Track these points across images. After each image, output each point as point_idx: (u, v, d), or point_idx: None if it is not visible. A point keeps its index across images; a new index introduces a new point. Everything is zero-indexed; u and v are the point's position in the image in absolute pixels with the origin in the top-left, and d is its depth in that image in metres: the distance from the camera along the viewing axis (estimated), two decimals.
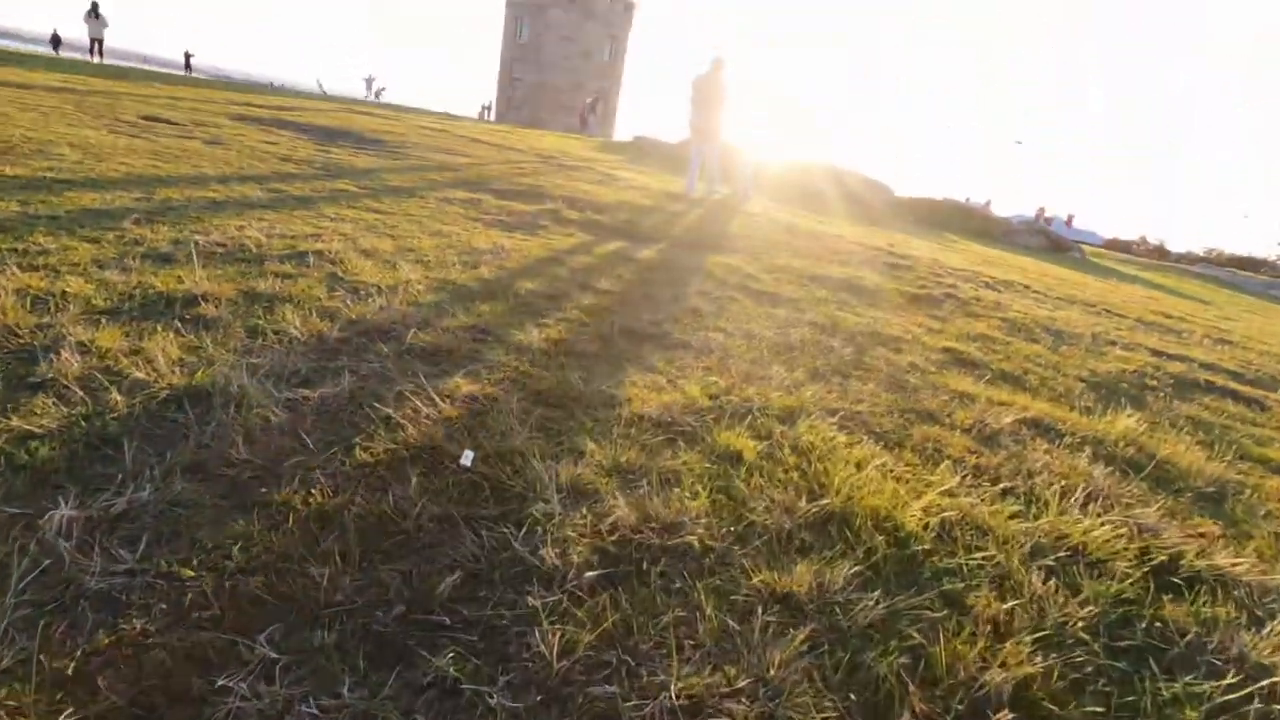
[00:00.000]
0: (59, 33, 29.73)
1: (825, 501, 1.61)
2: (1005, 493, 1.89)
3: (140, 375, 1.63)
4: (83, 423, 1.41)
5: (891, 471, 1.85)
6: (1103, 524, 1.76)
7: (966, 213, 23.57)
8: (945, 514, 1.65)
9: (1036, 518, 1.76)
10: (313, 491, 1.32)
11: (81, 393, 1.51)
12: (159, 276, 2.37)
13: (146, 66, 30.04)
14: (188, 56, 38.46)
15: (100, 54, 21.02)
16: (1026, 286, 6.66)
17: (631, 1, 41.69)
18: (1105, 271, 18.39)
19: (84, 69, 13.60)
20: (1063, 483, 2.02)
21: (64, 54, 26.78)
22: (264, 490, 1.30)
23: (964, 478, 1.92)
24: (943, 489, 1.78)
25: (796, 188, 14.73)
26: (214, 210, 3.60)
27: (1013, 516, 1.73)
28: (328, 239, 3.31)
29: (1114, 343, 4.52)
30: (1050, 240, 22.11)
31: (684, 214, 7.23)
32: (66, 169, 4.00)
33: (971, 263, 8.07)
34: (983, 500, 1.79)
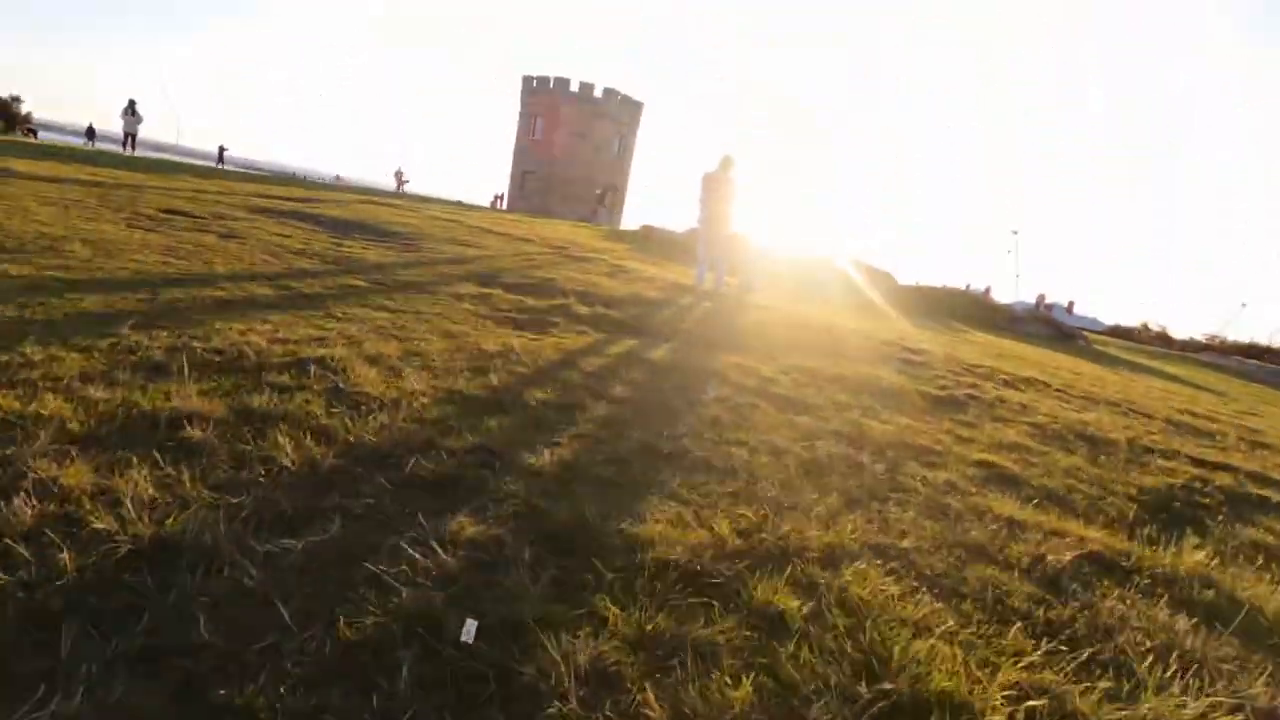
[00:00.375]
0: (94, 126, 31.42)
1: (888, 686, 1.36)
2: (1090, 662, 1.63)
3: (101, 525, 1.43)
4: (20, 595, 1.20)
5: (956, 636, 1.61)
6: (1210, 705, 1.50)
7: (970, 300, 23.80)
8: (1030, 700, 1.40)
9: (1134, 699, 1.50)
10: (282, 691, 1.09)
11: (28, 553, 1.31)
12: (146, 393, 2.22)
13: (178, 158, 31.54)
14: (221, 150, 40.50)
15: (133, 147, 21.98)
16: (1046, 384, 6.48)
17: (639, 100, 44.00)
18: (1113, 361, 18.23)
19: (115, 162, 14.14)
20: (1148, 643, 1.76)
21: (99, 144, 28.19)
22: (223, 691, 1.07)
23: (1039, 641, 1.67)
24: (1020, 663, 1.53)
25: (798, 278, 14.89)
26: (219, 311, 3.50)
27: (1108, 699, 1.47)
28: (332, 343, 3.19)
29: (1151, 450, 4.29)
30: (1055, 329, 22.16)
31: (694, 308, 7.19)
32: (75, 267, 3.95)
33: (985, 356, 7.94)
34: (1067, 676, 1.54)
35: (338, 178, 47.72)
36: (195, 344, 2.79)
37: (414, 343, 3.55)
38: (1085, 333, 27.91)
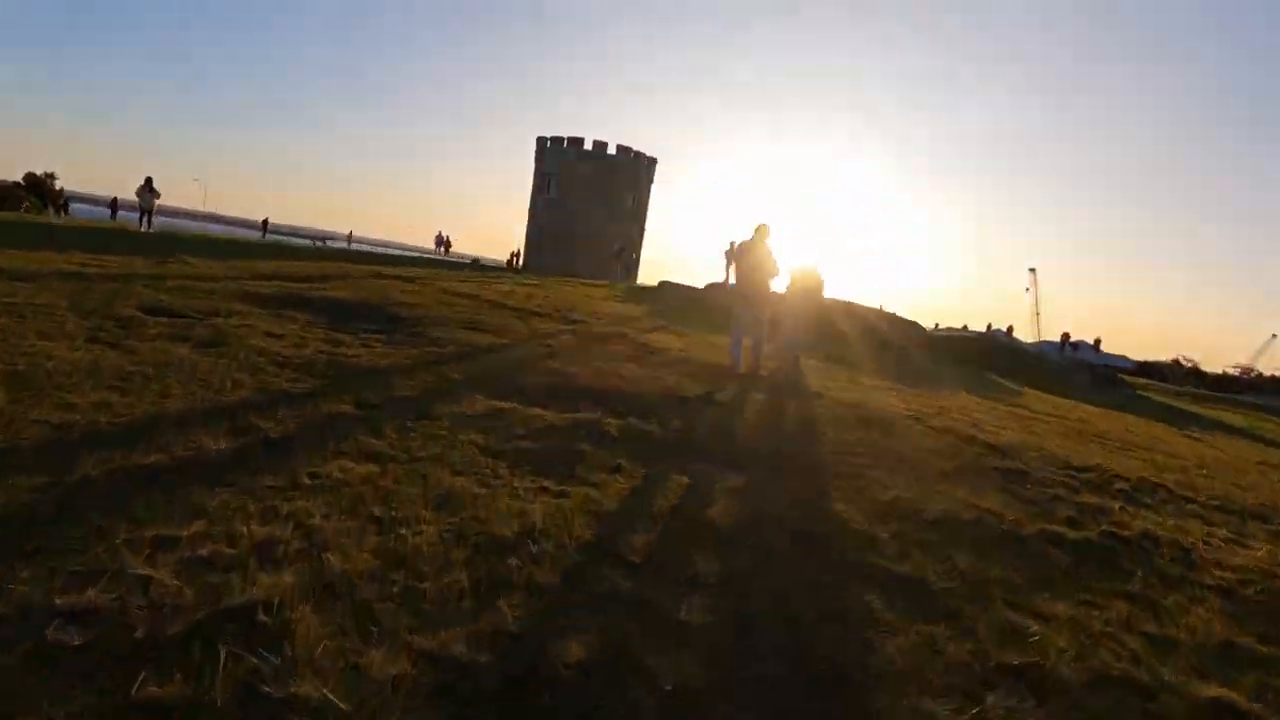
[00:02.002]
0: (118, 199, 31.94)
1: None
2: None
3: None
4: None
5: None
6: None
7: (1006, 350, 22.63)
8: None
9: None
10: None
11: None
12: None
13: (214, 229, 31.76)
14: (265, 223, 41.36)
15: (150, 224, 21.88)
16: (1169, 490, 5.38)
17: (652, 156, 44.17)
18: (1170, 412, 16.88)
19: (123, 244, 13.71)
20: None
21: (122, 215, 28.43)
22: None
23: None
24: None
25: (822, 333, 13.92)
26: (141, 494, 2.61)
27: None
28: (281, 559, 2.26)
29: None
30: (1094, 375, 20.89)
31: (743, 404, 6.25)
32: None
33: (1069, 440, 6.87)
34: None
35: (349, 240, 48.19)
36: (57, 599, 1.86)
37: (399, 530, 2.62)
38: (1118, 373, 26.50)
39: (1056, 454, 5.87)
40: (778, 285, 7.57)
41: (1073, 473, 5.29)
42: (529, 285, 18.77)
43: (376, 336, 6.67)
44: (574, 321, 10.46)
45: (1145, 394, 20.53)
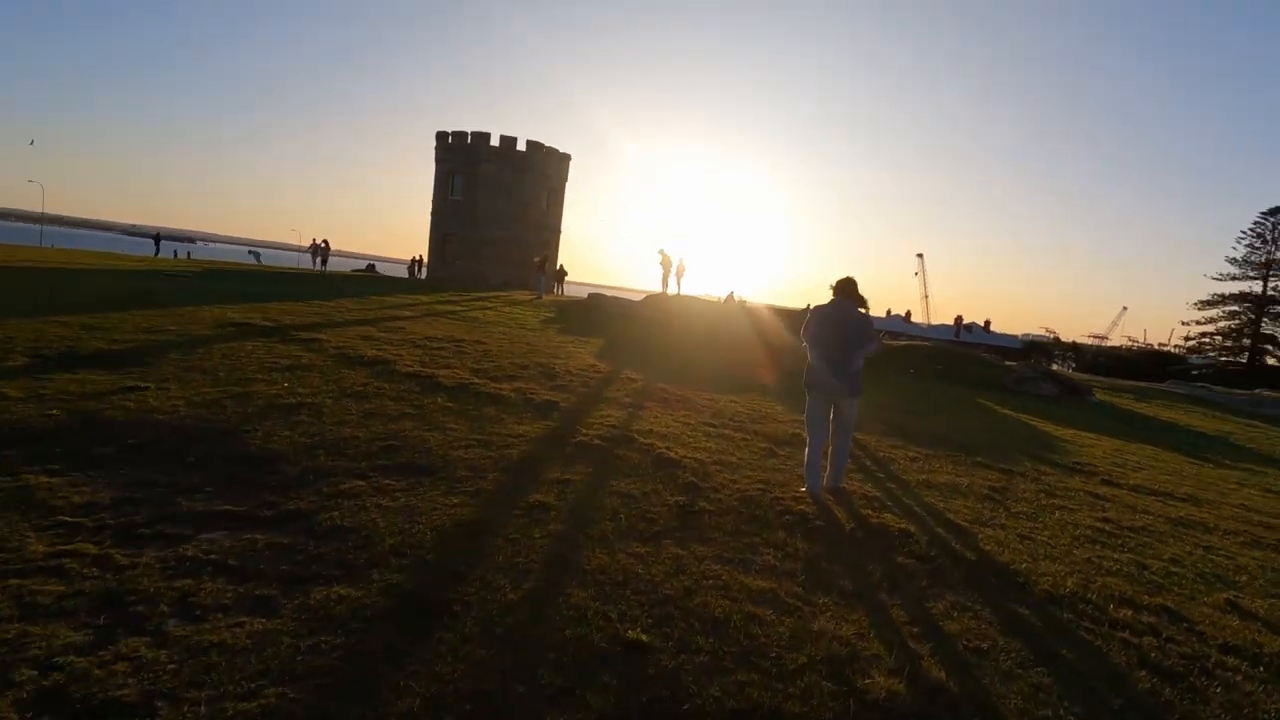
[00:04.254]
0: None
1: None
2: None
3: None
4: None
5: None
6: None
7: (965, 359, 21.62)
8: None
9: None
10: None
11: None
12: None
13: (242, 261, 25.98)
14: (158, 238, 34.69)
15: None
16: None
17: (566, 154, 41.20)
18: (1155, 429, 15.97)
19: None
20: None
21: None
22: None
23: None
24: None
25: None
26: None
27: None
28: None
29: None
30: (1063, 385, 20.15)
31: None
32: None
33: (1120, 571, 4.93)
34: None
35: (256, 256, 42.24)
36: None
37: None
38: (1057, 366, 26.45)
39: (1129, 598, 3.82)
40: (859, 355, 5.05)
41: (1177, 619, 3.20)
42: (446, 312, 15.63)
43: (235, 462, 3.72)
44: (503, 377, 7.71)
45: (1113, 402, 19.91)
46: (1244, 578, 4.57)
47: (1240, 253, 55.55)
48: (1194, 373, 50.25)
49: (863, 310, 5.18)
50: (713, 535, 3.99)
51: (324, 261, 34.95)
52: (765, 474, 5.38)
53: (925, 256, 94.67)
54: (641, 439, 5.87)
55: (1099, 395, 20.64)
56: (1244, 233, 55.56)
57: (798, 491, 4.98)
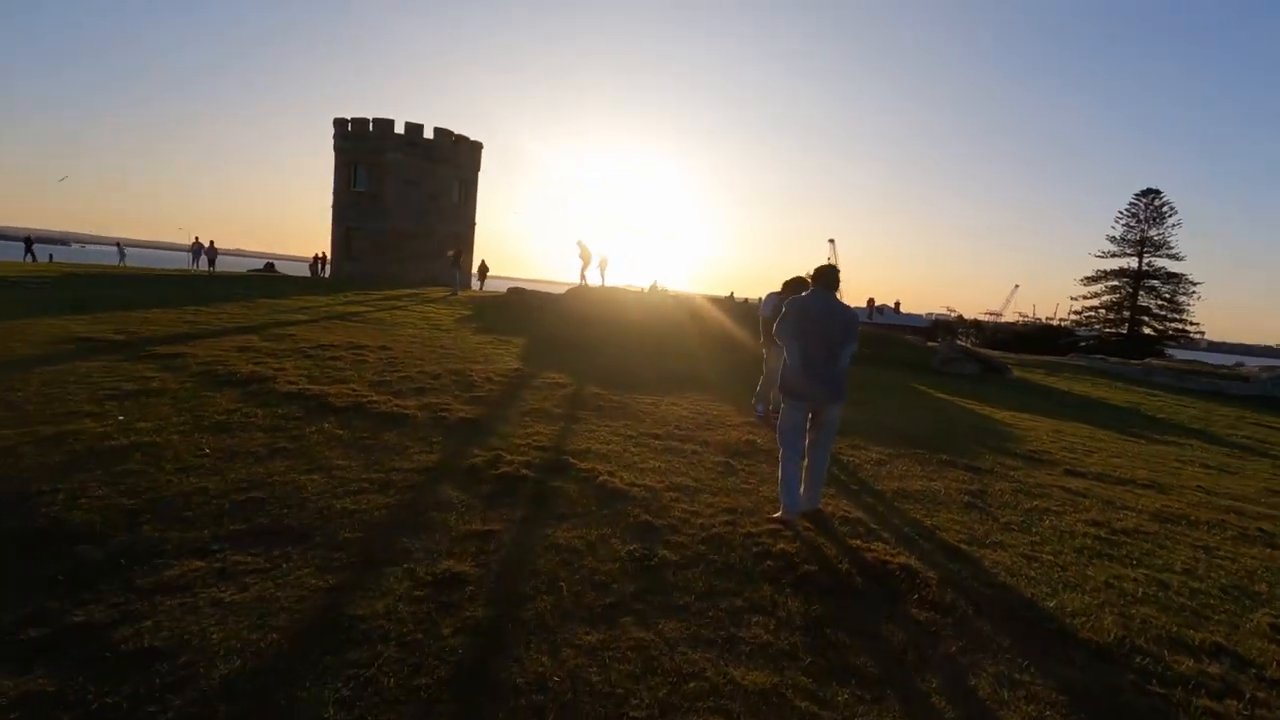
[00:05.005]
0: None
1: None
2: None
3: None
4: None
5: None
6: None
7: (891, 342, 21.76)
8: None
9: None
10: None
11: None
12: None
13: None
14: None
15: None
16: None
17: (477, 142, 39.22)
18: (1047, 393, 16.52)
19: None
20: None
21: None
22: None
23: None
24: None
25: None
26: None
27: None
28: None
29: None
30: (983, 364, 20.56)
31: None
32: None
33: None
34: None
35: (120, 249, 37.73)
36: None
37: None
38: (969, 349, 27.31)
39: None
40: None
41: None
42: (349, 314, 14.00)
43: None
44: (471, 427, 6.56)
45: (1025, 378, 20.44)
46: (1263, 588, 4.10)
47: (1119, 231, 59.77)
48: (1081, 344, 53.80)
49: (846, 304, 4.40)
50: (683, 600, 3.08)
51: (211, 262, 31.76)
52: (729, 498, 4.53)
53: (837, 242, 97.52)
54: (579, 463, 4.89)
55: (1015, 372, 21.24)
56: (1121, 213, 59.86)
57: (770, 519, 4.16)
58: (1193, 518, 5.57)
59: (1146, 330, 59.51)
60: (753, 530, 3.93)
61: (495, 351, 10.81)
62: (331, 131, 37.01)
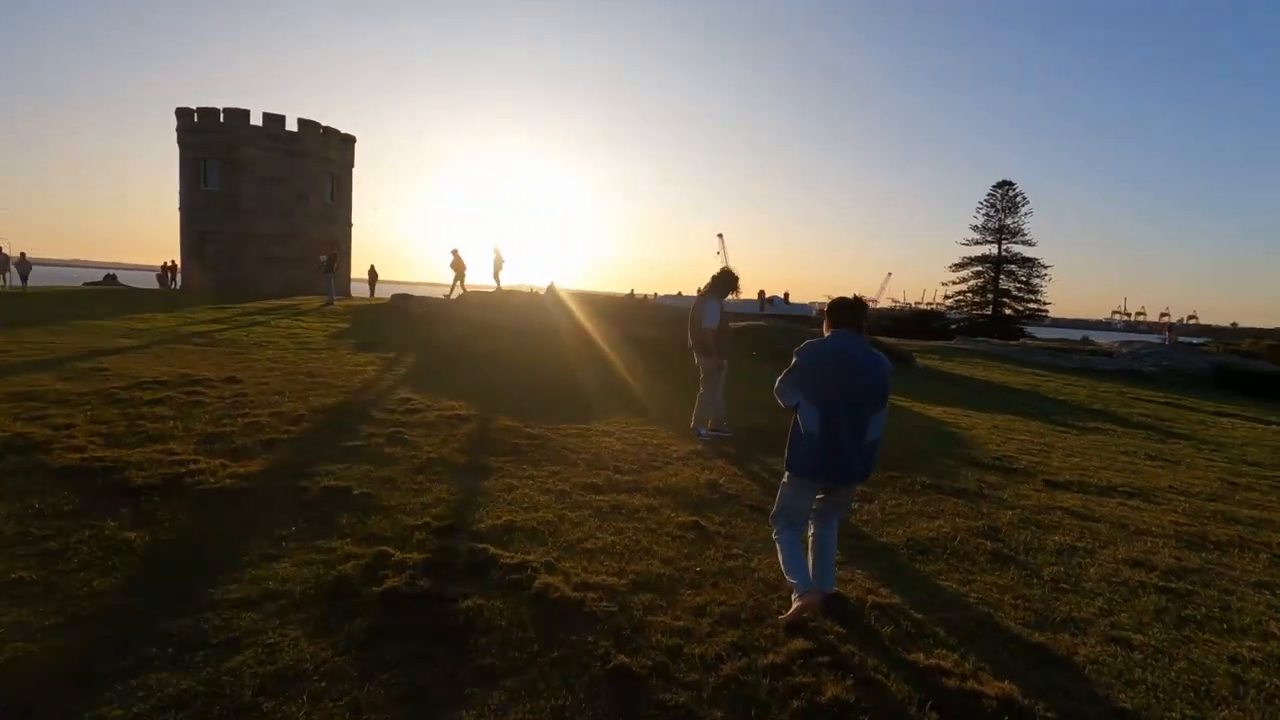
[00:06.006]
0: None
1: None
2: None
3: None
4: None
5: None
6: None
7: (799, 337, 21.44)
8: None
9: None
10: None
11: None
12: None
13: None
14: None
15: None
16: None
17: (348, 135, 35.81)
18: (956, 380, 16.71)
19: None
20: None
21: None
22: None
23: None
24: None
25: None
26: None
27: None
28: None
29: None
30: (892, 355, 20.66)
31: None
32: None
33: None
34: None
35: None
36: None
37: None
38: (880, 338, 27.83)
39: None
40: None
41: None
42: (194, 334, 11.47)
43: None
44: (341, 500, 4.85)
45: (924, 362, 20.70)
46: None
47: (980, 220, 64.34)
48: (953, 326, 57.44)
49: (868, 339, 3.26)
50: None
51: (23, 277, 26.82)
52: (721, 593, 3.25)
53: (725, 236, 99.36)
54: (502, 553, 3.44)
55: (918, 359, 21.56)
56: (981, 203, 64.46)
57: (784, 620, 2.94)
58: (1211, 538, 4.92)
59: (1007, 311, 64.49)
60: (776, 657, 2.68)
61: (378, 376, 9.00)
62: (175, 124, 32.52)
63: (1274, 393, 20.82)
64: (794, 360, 3.19)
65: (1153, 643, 3.13)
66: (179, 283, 33.20)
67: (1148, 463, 8.09)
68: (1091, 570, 3.99)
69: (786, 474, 3.24)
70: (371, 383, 8.33)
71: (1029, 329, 58.68)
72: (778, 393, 3.24)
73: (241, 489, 4.19)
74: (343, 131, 35.17)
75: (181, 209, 32.85)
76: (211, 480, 4.29)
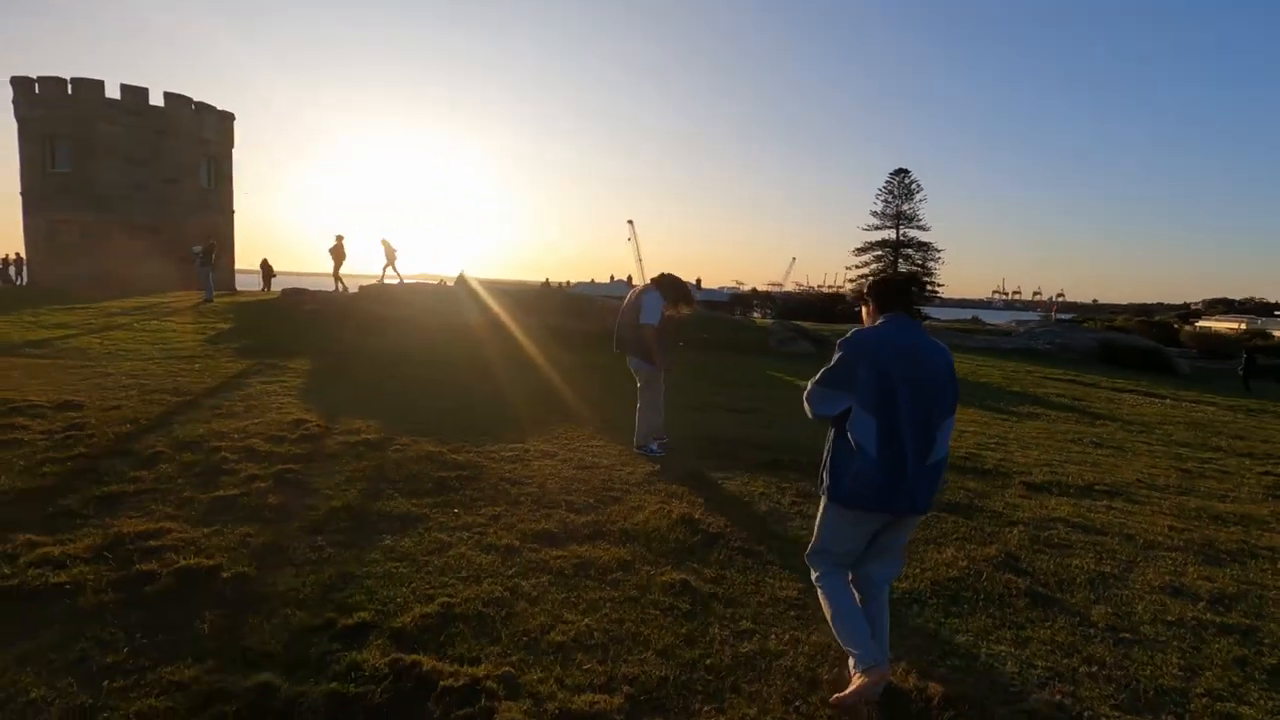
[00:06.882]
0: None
1: None
2: None
3: None
4: None
5: None
6: None
7: (725, 324, 21.07)
8: None
9: None
10: None
11: None
12: None
13: None
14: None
15: None
16: None
17: (226, 112, 32.31)
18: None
19: None
20: None
21: None
22: None
23: None
24: None
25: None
26: None
27: None
28: None
29: None
30: (812, 340, 20.63)
31: None
32: None
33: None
34: None
35: None
36: None
37: None
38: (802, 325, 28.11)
39: None
40: None
41: None
42: (31, 341, 9.39)
43: None
44: (208, 585, 3.61)
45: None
46: None
47: (879, 207, 66.91)
48: (856, 309, 59.71)
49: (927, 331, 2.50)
50: None
51: None
52: (750, 710, 2.42)
53: (636, 223, 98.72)
54: (440, 666, 2.46)
55: None
56: (880, 190, 67.03)
57: (837, 701, 2.17)
58: (1218, 546, 4.57)
59: None
60: None
61: (264, 389, 7.58)
62: (9, 95, 28.14)
63: (1153, 366, 22.43)
64: (837, 355, 2.41)
65: (1263, 716, 2.57)
66: (25, 279, 28.98)
67: (1098, 452, 7.97)
68: (1139, 608, 3.45)
69: (826, 504, 2.47)
70: (255, 400, 6.94)
71: (924, 310, 61.68)
72: (810, 400, 2.45)
73: (52, 585, 2.96)
74: (219, 108, 31.68)
75: (24, 194, 28.60)
76: (6, 571, 3.03)
